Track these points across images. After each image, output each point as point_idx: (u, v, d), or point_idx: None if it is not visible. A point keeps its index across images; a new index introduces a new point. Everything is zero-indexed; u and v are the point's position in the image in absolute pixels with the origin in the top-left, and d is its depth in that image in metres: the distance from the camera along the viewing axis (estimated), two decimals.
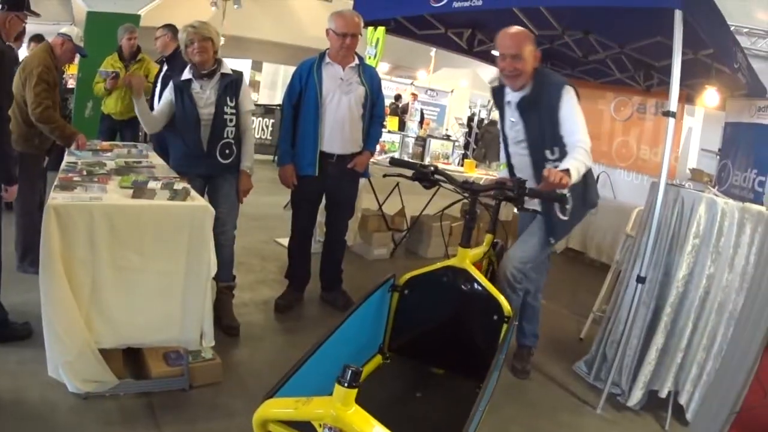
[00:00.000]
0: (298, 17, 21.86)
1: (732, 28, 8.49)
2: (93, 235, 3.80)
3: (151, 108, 7.17)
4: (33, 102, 5.26)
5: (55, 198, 3.80)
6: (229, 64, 5.38)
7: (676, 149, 9.28)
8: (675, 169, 9.18)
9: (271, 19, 20.49)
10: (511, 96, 4.60)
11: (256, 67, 24.41)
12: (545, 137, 4.40)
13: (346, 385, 2.05)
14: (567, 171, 3.87)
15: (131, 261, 3.92)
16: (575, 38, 7.88)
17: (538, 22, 7.24)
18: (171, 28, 7.62)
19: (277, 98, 21.00)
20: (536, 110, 4.43)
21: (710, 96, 8.26)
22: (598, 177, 10.14)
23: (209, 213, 4.11)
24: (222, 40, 19.05)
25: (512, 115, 4.64)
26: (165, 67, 7.40)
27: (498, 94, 4.76)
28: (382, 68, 22.69)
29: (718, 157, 9.08)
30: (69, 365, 3.91)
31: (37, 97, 5.26)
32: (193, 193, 4.33)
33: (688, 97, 8.94)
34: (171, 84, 5.21)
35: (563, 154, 4.27)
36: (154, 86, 7.54)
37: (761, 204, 5.24)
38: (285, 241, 6.28)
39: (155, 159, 5.69)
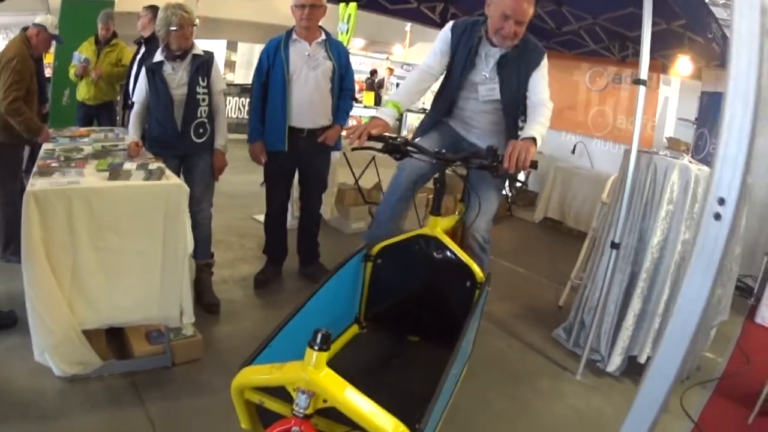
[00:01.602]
0: None
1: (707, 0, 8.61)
2: (72, 218, 3.88)
3: (126, 89, 7.33)
4: (3, 93, 5.25)
5: (34, 185, 3.86)
6: (205, 45, 5.43)
7: (653, 118, 9.39)
8: (652, 138, 9.31)
9: None
10: (491, 50, 4.35)
11: (231, 47, 24.38)
12: (519, 100, 4.31)
13: (316, 348, 2.11)
14: (533, 140, 3.73)
15: (110, 242, 4.00)
16: (548, 9, 7.89)
17: None
18: (153, 10, 7.62)
19: None
20: (515, 70, 4.30)
21: (684, 65, 8.38)
22: (574, 147, 10.24)
23: (184, 191, 4.16)
24: (197, 22, 19.08)
25: (486, 70, 4.39)
26: (143, 49, 7.40)
27: (471, 39, 4.38)
28: (356, 44, 22.69)
29: (695, 126, 9.17)
30: (54, 349, 3.99)
31: (8, 89, 5.24)
32: (168, 172, 4.38)
33: (663, 67, 9.02)
34: (143, 69, 5.29)
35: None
36: (130, 68, 7.52)
37: None
38: (262, 218, 6.32)
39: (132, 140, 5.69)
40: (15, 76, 5.29)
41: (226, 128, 5.61)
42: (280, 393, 2.35)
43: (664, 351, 1.61)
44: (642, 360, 4.89)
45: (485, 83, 4.36)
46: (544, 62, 4.31)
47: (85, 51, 8.24)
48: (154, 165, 4.38)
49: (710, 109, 8.61)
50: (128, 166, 4.31)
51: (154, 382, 4.24)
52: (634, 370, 4.99)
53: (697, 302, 1.56)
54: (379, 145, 3.84)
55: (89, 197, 3.91)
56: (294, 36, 5.59)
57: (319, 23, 5.67)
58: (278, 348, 2.65)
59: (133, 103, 7.06)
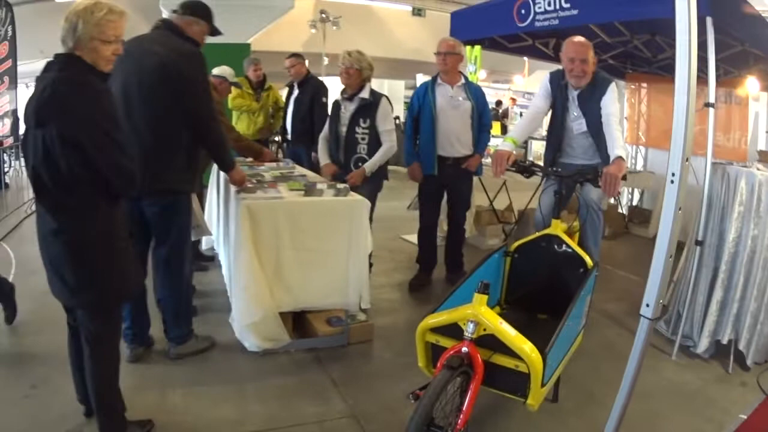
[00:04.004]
0: (392, 32, 22.86)
1: None
2: (277, 224, 4.99)
3: (284, 126, 8.69)
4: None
5: (245, 198, 4.98)
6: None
7: (746, 134, 9.63)
8: (746, 152, 9.47)
9: (368, 36, 21.48)
10: (573, 92, 5.66)
11: None
12: (600, 124, 5.40)
13: (480, 291, 3.32)
14: (620, 158, 4.84)
15: (306, 243, 5.09)
16: (643, 41, 8.57)
17: (608, 31, 8.13)
18: (300, 57, 8.75)
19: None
20: (591, 102, 5.48)
21: (751, 84, 8.72)
22: None
23: (366, 205, 5.27)
24: (326, 60, 20.13)
25: (575, 110, 5.68)
26: (297, 91, 8.57)
27: (560, 87, 5.74)
28: (479, 75, 23.59)
29: None
30: (254, 326, 5.05)
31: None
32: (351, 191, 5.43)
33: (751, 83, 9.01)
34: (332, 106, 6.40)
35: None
36: (286, 108, 8.78)
37: None
38: (409, 237, 7.31)
39: (300, 169, 6.88)
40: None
41: (382, 160, 6.40)
42: (451, 332, 3.50)
43: None
44: (724, 341, 5.42)
45: (576, 120, 5.64)
46: (612, 87, 5.44)
47: (240, 97, 9.13)
48: (341, 185, 5.43)
49: None
50: (320, 186, 5.38)
51: (333, 356, 5.22)
52: (719, 351, 5.52)
53: None
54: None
55: (291, 209, 5.06)
56: (438, 80, 6.65)
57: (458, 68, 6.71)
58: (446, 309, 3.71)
59: (290, 138, 8.35)
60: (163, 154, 4.56)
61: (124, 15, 3.45)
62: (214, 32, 5.08)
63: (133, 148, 3.61)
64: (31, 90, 3.36)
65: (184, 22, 4.81)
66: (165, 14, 17.32)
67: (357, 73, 6.21)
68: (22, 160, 17.46)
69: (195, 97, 4.64)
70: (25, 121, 3.40)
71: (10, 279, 6.41)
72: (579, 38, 5.57)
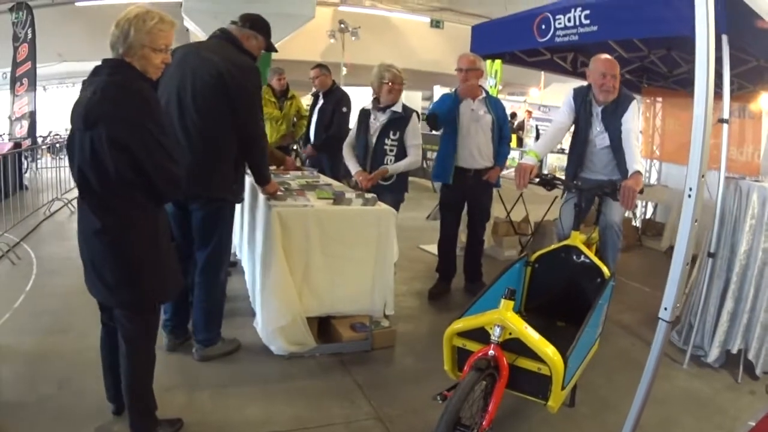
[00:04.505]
0: (409, 43, 23.04)
1: None
2: (307, 230, 5.12)
3: (307, 135, 8.90)
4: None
5: (276, 206, 5.11)
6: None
7: (758, 147, 9.67)
8: (759, 166, 9.51)
9: (386, 46, 21.68)
10: (597, 109, 5.86)
11: None
12: (621, 140, 5.64)
13: (507, 297, 3.52)
14: (638, 172, 5.16)
15: (335, 250, 5.21)
16: (660, 56, 8.78)
17: (626, 46, 8.32)
18: (326, 68, 8.96)
19: None
20: (614, 118, 5.70)
21: (765, 100, 8.94)
22: None
23: (393, 215, 5.41)
24: (344, 70, 20.26)
25: (599, 126, 5.89)
26: (321, 101, 8.80)
27: (585, 103, 5.95)
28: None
29: None
30: (282, 330, 5.18)
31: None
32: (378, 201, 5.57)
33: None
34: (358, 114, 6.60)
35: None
36: (310, 117, 9.02)
37: None
38: (428, 247, 7.53)
39: (324, 178, 7.05)
40: None
41: (406, 169, 6.54)
42: (477, 336, 3.69)
43: None
44: (734, 351, 5.55)
45: (598, 135, 5.83)
46: (633, 104, 5.70)
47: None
48: (368, 195, 5.57)
49: None
50: (349, 195, 5.51)
51: (358, 360, 5.37)
52: (729, 361, 5.65)
53: None
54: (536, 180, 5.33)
55: (321, 217, 5.18)
56: (460, 95, 6.82)
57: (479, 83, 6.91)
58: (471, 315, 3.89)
59: (313, 146, 8.54)
60: (211, 162, 4.70)
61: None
62: (270, 48, 5.20)
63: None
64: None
65: (244, 35, 4.95)
66: (187, 21, 17.60)
67: (400, 88, 6.41)
68: (39, 161, 17.68)
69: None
70: (72, 123, 3.52)
71: (32, 279, 6.78)
72: (607, 56, 5.83)
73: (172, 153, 3.55)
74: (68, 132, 3.63)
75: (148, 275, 3.65)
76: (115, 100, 3.36)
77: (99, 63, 3.52)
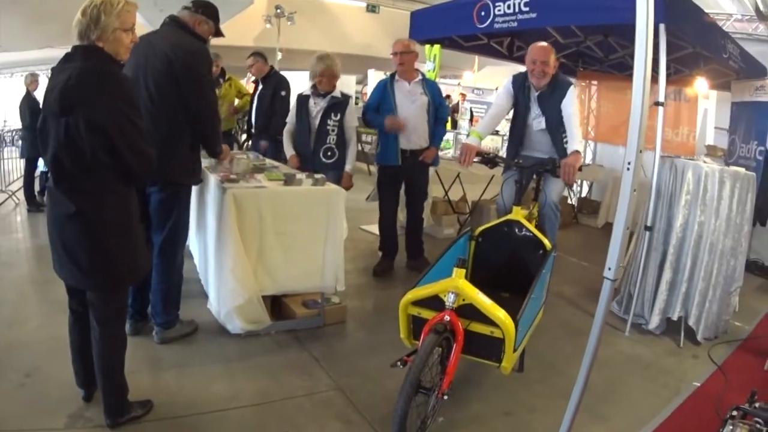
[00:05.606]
0: (344, 27, 23.04)
1: (732, 18, 9.76)
2: (261, 211, 5.23)
3: (249, 120, 9.15)
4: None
5: (231, 187, 5.19)
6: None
7: (694, 129, 10.15)
8: (694, 147, 10.01)
9: (321, 31, 21.66)
10: (534, 93, 6.10)
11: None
12: (560, 123, 5.90)
13: (458, 266, 3.75)
14: (577, 151, 5.47)
15: (287, 229, 5.35)
16: (596, 41, 9.06)
17: (563, 33, 8.61)
18: (261, 55, 9.14)
19: None
20: (552, 103, 5.94)
21: (701, 84, 9.43)
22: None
23: (342, 194, 5.56)
24: (279, 55, 20.16)
25: (536, 110, 6.14)
26: (260, 86, 8.97)
27: (523, 88, 6.20)
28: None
29: (728, 133, 9.86)
30: (239, 308, 5.26)
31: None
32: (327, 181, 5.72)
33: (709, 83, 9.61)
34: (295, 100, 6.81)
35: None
36: (251, 103, 9.17)
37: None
38: (369, 228, 7.78)
39: (271, 161, 7.17)
40: None
41: (355, 157, 6.98)
42: (432, 305, 3.89)
43: None
44: (674, 318, 5.93)
45: (536, 118, 6.08)
46: (571, 90, 5.93)
47: None
48: (318, 176, 5.70)
49: (739, 117, 9.35)
50: (299, 176, 5.65)
51: (312, 336, 5.55)
52: (670, 328, 6.04)
53: None
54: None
55: (273, 197, 5.32)
56: (396, 77, 7.08)
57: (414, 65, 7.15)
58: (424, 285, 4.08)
59: (254, 131, 8.71)
60: (168, 146, 4.71)
61: (136, 5, 3.71)
62: (218, 34, 5.29)
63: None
64: None
65: (196, 21, 5.01)
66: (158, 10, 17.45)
67: (336, 78, 6.76)
68: None
69: (200, 94, 4.86)
70: (44, 110, 3.59)
71: None
72: (543, 43, 6.06)
73: (145, 135, 3.65)
74: (40, 118, 3.65)
75: (122, 257, 3.73)
76: (91, 84, 3.44)
77: (57, 51, 3.58)
